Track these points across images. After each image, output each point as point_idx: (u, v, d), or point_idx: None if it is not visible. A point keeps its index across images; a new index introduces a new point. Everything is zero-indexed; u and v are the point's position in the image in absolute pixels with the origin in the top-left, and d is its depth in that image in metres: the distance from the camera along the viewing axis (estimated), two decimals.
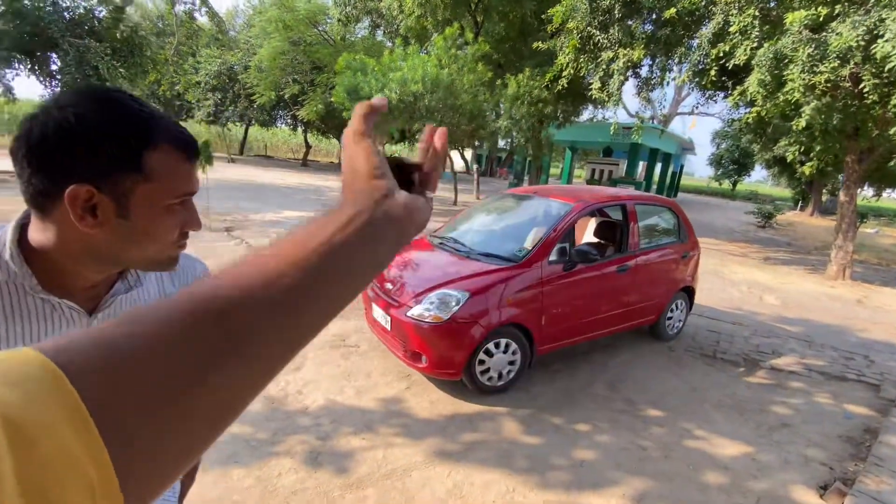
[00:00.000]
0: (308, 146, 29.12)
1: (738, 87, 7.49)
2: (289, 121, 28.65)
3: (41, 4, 11.47)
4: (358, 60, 12.31)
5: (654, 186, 24.77)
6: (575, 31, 8.87)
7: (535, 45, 10.79)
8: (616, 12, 8.30)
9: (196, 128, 31.27)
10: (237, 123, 27.51)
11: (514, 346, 3.26)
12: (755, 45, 6.80)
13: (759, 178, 74.29)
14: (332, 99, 14.71)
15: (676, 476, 2.59)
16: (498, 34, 15.44)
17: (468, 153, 27.84)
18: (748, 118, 8.29)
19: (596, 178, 24.29)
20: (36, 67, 11.79)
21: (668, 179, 26.88)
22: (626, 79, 9.43)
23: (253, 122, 27.26)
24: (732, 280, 7.90)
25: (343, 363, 3.55)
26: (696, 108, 12.15)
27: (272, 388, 2.99)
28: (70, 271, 0.65)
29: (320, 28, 21.35)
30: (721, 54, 7.58)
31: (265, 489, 2.16)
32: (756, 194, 38.86)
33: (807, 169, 9.24)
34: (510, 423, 2.96)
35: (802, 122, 7.00)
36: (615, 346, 4.34)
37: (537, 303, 3.32)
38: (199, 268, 0.89)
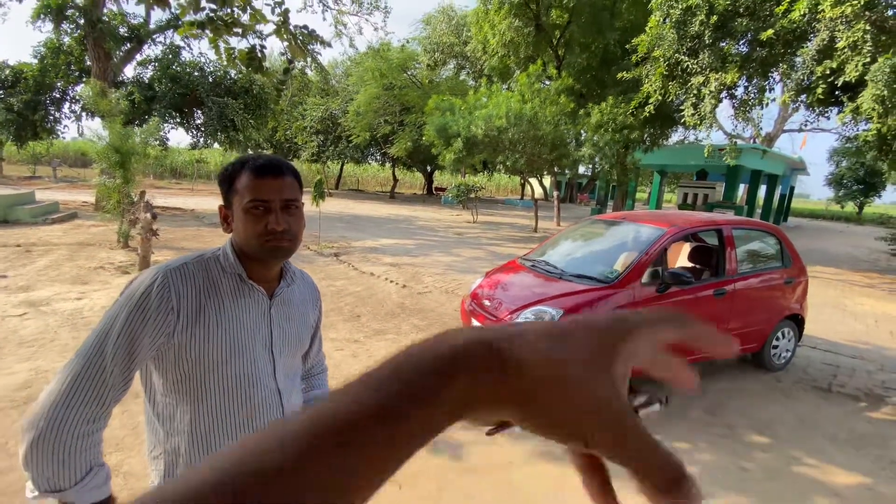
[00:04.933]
0: (395, 179, 31.17)
1: (849, 104, 7.02)
2: (378, 157, 31.04)
3: (189, 70, 14.08)
4: (446, 101, 13.28)
5: (759, 211, 22.81)
6: (662, 59, 8.91)
7: (619, 75, 10.92)
8: (706, 38, 8.24)
9: (301, 166, 35.02)
10: (335, 161, 30.38)
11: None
12: (867, 59, 6.40)
13: (893, 199, 64.42)
14: (423, 138, 15.84)
15: (780, 498, 2.59)
16: (579, 65, 15.74)
17: (547, 180, 27.94)
18: (866, 136, 7.66)
19: (689, 202, 22.96)
20: (185, 122, 14.33)
21: (774, 203, 24.58)
22: (720, 101, 9.18)
23: (348, 159, 29.96)
24: (855, 312, 7.17)
25: None
26: (806, 125, 11.21)
27: None
28: (254, 266, 0.98)
29: (409, 73, 23.24)
30: (828, 71, 7.19)
31: None
32: (889, 218, 33.88)
33: None
34: None
35: None
36: (713, 374, 4.27)
37: None
38: (311, 280, 1.21)
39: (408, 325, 5.03)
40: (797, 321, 4.52)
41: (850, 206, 35.39)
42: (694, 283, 3.77)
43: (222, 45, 4.04)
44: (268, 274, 1.02)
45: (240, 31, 3.95)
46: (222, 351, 0.93)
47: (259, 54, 3.86)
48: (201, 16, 4.20)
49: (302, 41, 4.16)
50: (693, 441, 3.12)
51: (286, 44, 4.24)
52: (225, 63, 4.20)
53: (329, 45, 4.04)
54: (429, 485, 2.49)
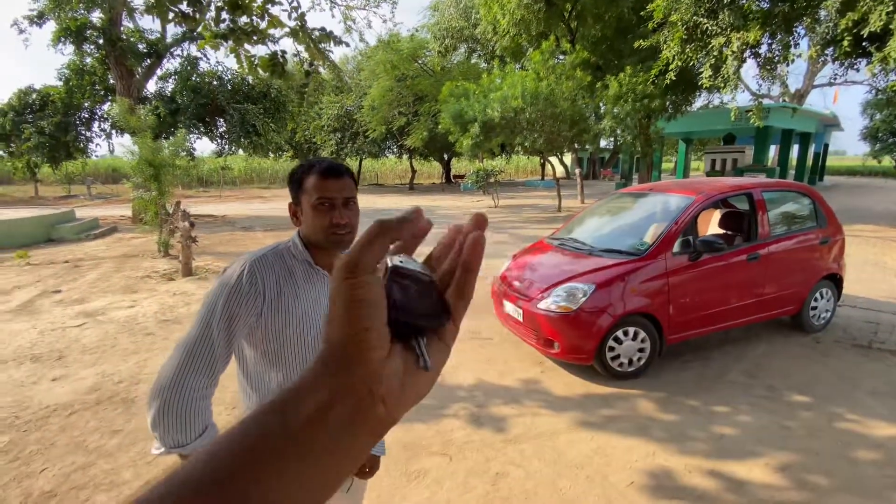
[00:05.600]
0: (413, 171, 31.27)
1: (876, 54, 6.70)
2: (394, 150, 31.17)
3: (208, 80, 14.46)
4: (460, 87, 13.23)
5: (792, 172, 21.93)
6: (679, 23, 8.65)
7: (636, 43, 10.64)
8: None
9: None
10: (353, 157, 30.67)
11: (642, 334, 3.50)
12: (891, 8, 6.09)
13: None
14: (438, 126, 15.84)
15: (824, 452, 2.62)
16: (593, 37, 15.35)
17: (568, 157, 27.48)
18: (894, 86, 7.30)
19: (717, 168, 22.25)
20: (209, 131, 14.75)
21: (808, 162, 23.56)
22: (744, 61, 8.87)
23: (366, 154, 30.21)
24: None
25: (482, 351, 4.09)
26: (835, 79, 10.64)
27: None
28: (320, 253, 1.16)
29: (420, 62, 23.15)
30: (851, 23, 6.86)
31: (444, 440, 2.75)
32: None
33: None
34: (644, 402, 3.21)
35: None
36: (751, 338, 4.26)
37: (664, 293, 3.53)
38: None
39: None
40: (835, 281, 4.45)
41: (888, 161, 33.55)
42: (726, 249, 3.75)
43: (243, 54, 4.19)
44: (331, 260, 1.18)
45: (259, 38, 4.09)
46: (300, 325, 1.11)
47: (281, 59, 4.00)
48: (222, 27, 4.37)
49: (317, 42, 4.28)
50: (734, 404, 3.16)
51: (304, 47, 4.37)
52: (247, 71, 4.36)
53: (346, 43, 4.14)
54: (476, 456, 2.63)
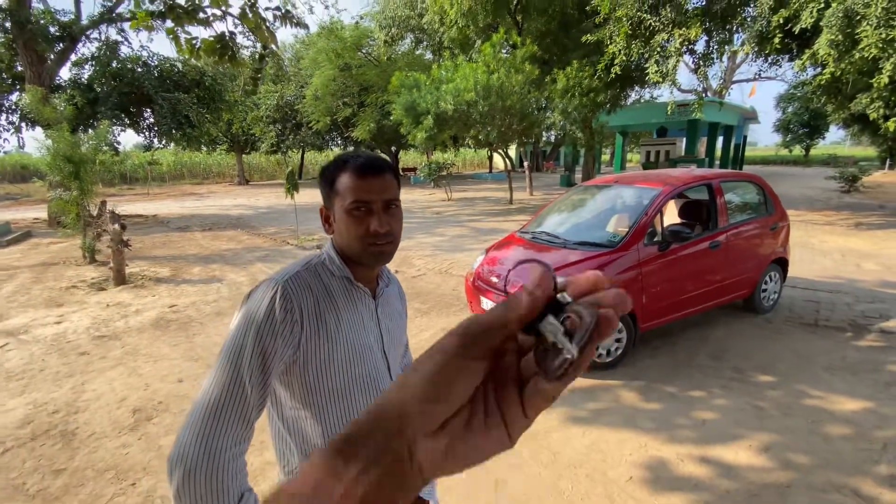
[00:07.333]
0: None
1: (806, 51, 7.27)
2: (339, 142, 30.16)
3: (131, 66, 13.13)
4: (410, 78, 12.95)
5: (717, 162, 23.65)
6: (625, 19, 8.93)
7: (583, 38, 10.88)
8: None
9: (260, 159, 33.65)
10: (296, 150, 29.37)
11: (619, 324, 3.53)
12: (822, 5, 6.61)
13: (835, 139, 68.05)
14: (389, 118, 15.45)
15: (798, 430, 2.77)
16: (537, 31, 15.59)
17: (511, 150, 27.92)
18: (821, 80, 7.98)
19: (652, 160, 23.55)
20: (135, 122, 13.43)
21: (731, 153, 25.52)
22: (682, 56, 9.33)
23: (309, 147, 28.99)
24: (822, 250, 7.60)
25: None
26: (759, 75, 11.56)
27: None
28: (358, 268, 0.97)
29: (364, 51, 22.46)
30: (782, 20, 7.39)
31: None
32: (835, 157, 35.75)
33: (892, 124, 8.67)
34: (627, 393, 3.25)
35: (885, 79, 6.68)
36: (710, 322, 4.47)
37: (637, 283, 3.59)
38: (393, 275, 1.17)
39: (411, 310, 5.00)
40: (782, 264, 4.76)
41: (798, 150, 37.15)
42: (692, 237, 3.89)
43: (183, 37, 3.76)
44: (371, 275, 1.01)
45: (206, 17, 3.68)
46: (345, 355, 0.91)
47: (230, 42, 3.62)
48: (157, 5, 3.88)
49: (271, 25, 3.92)
50: (707, 388, 3.28)
51: (253, 28, 3.99)
52: (187, 56, 3.92)
53: (306, 25, 3.82)
54: None
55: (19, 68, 11.86)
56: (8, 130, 13.24)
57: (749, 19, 8.20)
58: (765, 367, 3.58)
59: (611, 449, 2.64)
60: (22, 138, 13.99)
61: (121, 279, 6.35)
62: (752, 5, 8.22)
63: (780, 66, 10.37)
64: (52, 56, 11.34)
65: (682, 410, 3.01)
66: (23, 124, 12.91)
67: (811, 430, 2.76)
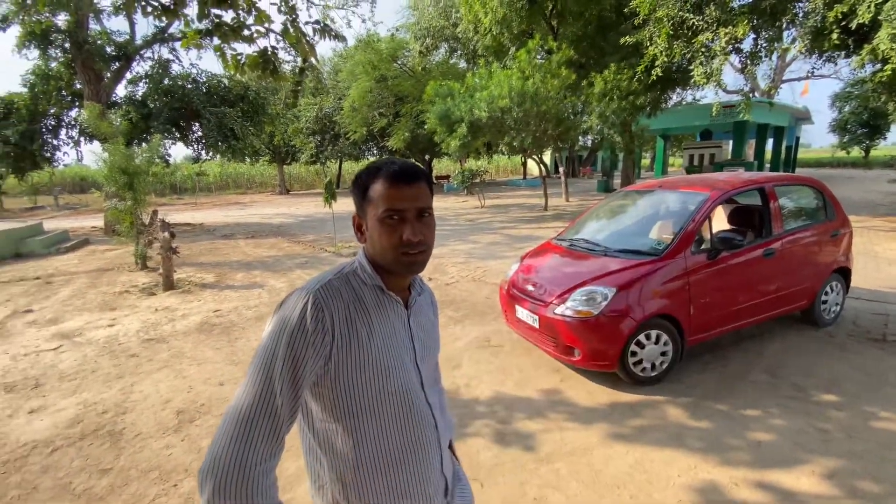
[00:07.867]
0: None
1: (865, 46, 6.79)
2: (375, 152, 30.75)
3: (181, 83, 13.90)
4: (445, 86, 13.03)
5: (768, 165, 22.48)
6: (666, 19, 8.65)
7: (622, 40, 10.62)
8: None
9: (300, 169, 34.74)
10: (334, 160, 30.15)
11: (664, 337, 3.36)
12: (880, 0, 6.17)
13: None
14: (424, 127, 15.62)
15: (867, 455, 2.52)
16: (574, 35, 15.37)
17: (546, 156, 27.58)
18: (881, 76, 7.43)
19: (696, 164, 22.64)
20: (184, 136, 14.18)
21: (782, 155, 24.21)
22: (728, 56, 8.93)
23: (346, 157, 29.70)
24: (888, 258, 7.03)
25: (495, 360, 3.90)
26: (812, 72, 10.90)
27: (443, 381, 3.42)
28: (390, 277, 0.94)
29: (400, 62, 22.86)
30: (839, 15, 6.94)
31: (472, 462, 2.54)
32: None
33: None
34: (673, 409, 3.07)
35: None
36: (764, 335, 4.19)
37: (684, 293, 3.40)
38: (426, 284, 1.13)
39: (443, 318, 4.96)
40: (844, 274, 4.42)
41: (856, 151, 34.76)
42: (744, 245, 3.66)
43: (229, 53, 3.90)
44: (403, 284, 0.98)
45: (248, 36, 3.81)
46: (378, 367, 0.88)
47: (272, 57, 3.73)
48: (205, 23, 4.06)
49: (312, 37, 4.02)
50: (763, 407, 3.05)
51: (294, 43, 4.09)
52: (233, 71, 4.07)
53: (343, 38, 3.90)
54: (509, 479, 2.44)
55: (78, 86, 12.78)
56: (68, 144, 14.28)
57: (801, 15, 7.75)
58: (828, 385, 3.30)
59: (656, 469, 2.48)
60: (81, 152, 15.08)
61: (169, 284, 6.64)
62: (803, 1, 7.77)
63: (836, 64, 9.73)
64: (108, 74, 12.15)
65: (734, 430, 2.80)
66: (81, 138, 13.89)
67: (883, 457, 2.50)
